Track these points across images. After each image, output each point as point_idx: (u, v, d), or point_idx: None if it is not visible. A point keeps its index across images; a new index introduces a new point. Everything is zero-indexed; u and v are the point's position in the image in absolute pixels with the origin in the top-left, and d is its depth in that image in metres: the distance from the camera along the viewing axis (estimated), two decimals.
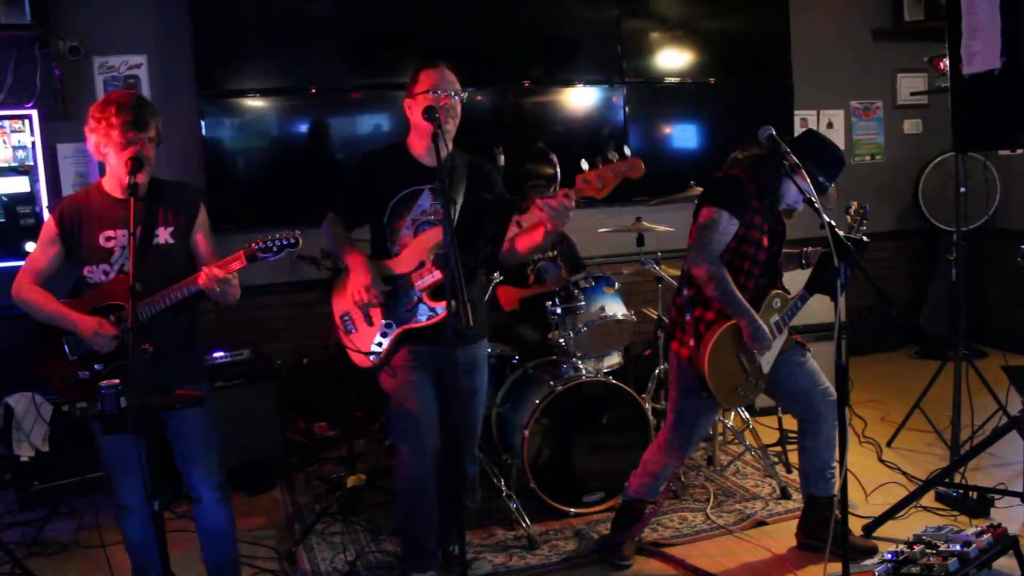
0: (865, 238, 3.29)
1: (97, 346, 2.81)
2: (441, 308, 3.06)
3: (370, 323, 3.21)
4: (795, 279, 3.46)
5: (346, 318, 3.27)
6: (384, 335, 3.19)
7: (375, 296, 3.10)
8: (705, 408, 3.42)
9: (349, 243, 3.26)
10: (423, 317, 3.16)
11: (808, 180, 2.95)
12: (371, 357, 3.20)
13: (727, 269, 3.25)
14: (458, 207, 3.13)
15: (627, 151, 2.87)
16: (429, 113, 2.98)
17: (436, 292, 3.11)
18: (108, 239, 2.88)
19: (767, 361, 3.36)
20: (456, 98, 3.16)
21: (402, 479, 3.29)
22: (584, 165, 2.90)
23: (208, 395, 2.99)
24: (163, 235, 2.93)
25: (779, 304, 3.35)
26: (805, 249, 3.52)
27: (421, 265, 3.14)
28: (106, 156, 2.83)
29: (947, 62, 4.12)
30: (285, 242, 2.91)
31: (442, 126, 2.97)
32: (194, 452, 3.01)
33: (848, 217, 3.30)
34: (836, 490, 3.41)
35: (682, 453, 3.55)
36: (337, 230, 3.29)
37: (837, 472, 3.45)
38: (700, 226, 3.26)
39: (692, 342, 3.30)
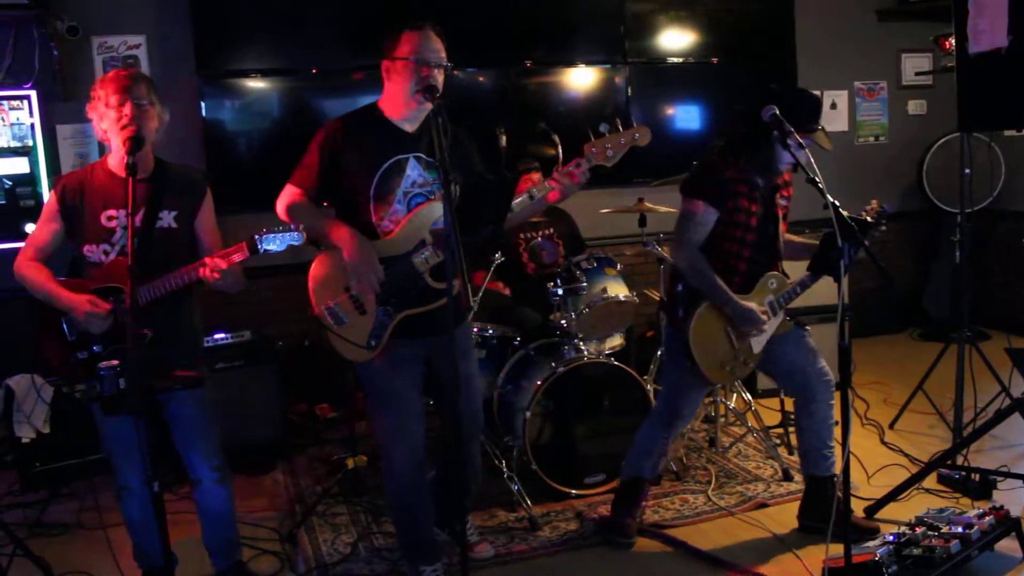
0: (870, 219, 3.25)
1: (92, 327, 2.79)
2: (443, 290, 2.81)
3: (362, 312, 2.92)
4: (798, 267, 3.41)
5: (337, 309, 2.93)
6: (383, 324, 2.92)
7: (381, 279, 2.83)
8: (692, 381, 3.40)
9: (329, 217, 2.93)
10: (426, 301, 2.92)
11: (800, 143, 2.87)
12: (371, 348, 2.93)
13: (716, 251, 3.24)
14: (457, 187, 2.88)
15: (633, 122, 2.84)
16: (430, 93, 2.77)
17: (437, 273, 2.91)
18: (110, 219, 2.86)
19: (758, 341, 3.34)
20: (441, 67, 2.87)
21: (395, 487, 3.11)
22: (591, 136, 2.87)
23: (207, 377, 2.97)
24: (166, 218, 2.91)
25: (775, 285, 3.33)
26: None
27: (421, 244, 2.90)
28: (107, 133, 2.82)
29: (953, 41, 4.08)
30: (289, 238, 2.81)
31: (442, 106, 2.71)
32: (193, 434, 3.01)
33: (864, 215, 3.24)
34: (836, 469, 3.41)
35: (671, 427, 3.52)
36: (305, 205, 2.93)
37: (837, 452, 3.45)
38: (679, 217, 3.29)
39: (680, 312, 3.30)
